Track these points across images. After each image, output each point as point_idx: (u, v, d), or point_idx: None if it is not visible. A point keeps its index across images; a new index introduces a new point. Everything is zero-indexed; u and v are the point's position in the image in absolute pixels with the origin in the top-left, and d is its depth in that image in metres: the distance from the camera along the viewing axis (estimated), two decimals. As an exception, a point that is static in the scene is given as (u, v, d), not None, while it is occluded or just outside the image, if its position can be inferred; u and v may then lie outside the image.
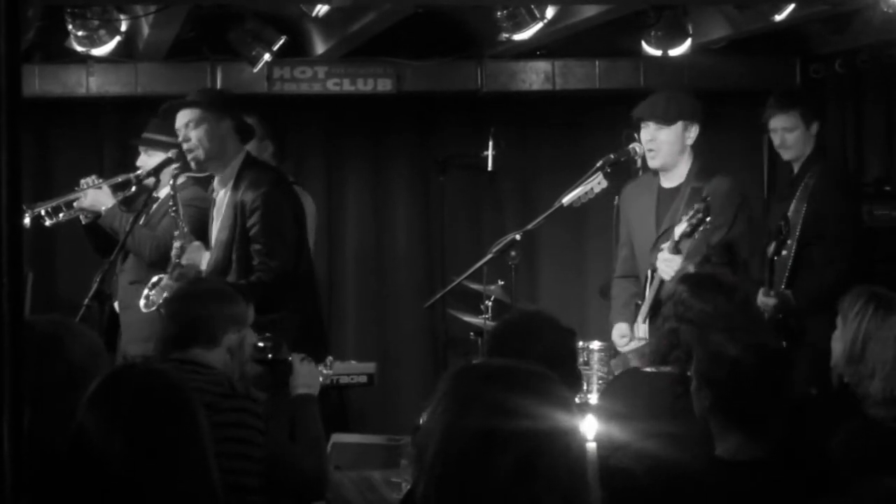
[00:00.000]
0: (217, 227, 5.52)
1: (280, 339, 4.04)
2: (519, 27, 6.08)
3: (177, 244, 5.57)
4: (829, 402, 4.06)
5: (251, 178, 5.41)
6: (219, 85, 7.00)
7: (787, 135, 5.97)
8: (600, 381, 5.83)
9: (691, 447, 3.04)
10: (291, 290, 5.36)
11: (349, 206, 7.84)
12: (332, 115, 7.74)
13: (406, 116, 7.81)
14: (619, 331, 5.59)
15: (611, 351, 5.85)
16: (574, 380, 3.71)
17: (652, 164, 5.56)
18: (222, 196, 5.51)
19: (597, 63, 7.49)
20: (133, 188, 6.25)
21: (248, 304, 4.00)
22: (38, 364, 2.92)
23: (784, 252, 5.63)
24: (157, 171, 5.78)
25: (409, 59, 7.34)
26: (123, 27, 6.15)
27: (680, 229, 5.10)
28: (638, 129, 5.61)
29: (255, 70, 6.68)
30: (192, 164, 5.55)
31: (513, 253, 5.74)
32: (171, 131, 5.64)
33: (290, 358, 3.95)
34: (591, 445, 2.12)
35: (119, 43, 6.21)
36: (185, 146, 5.45)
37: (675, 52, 6.73)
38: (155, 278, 5.69)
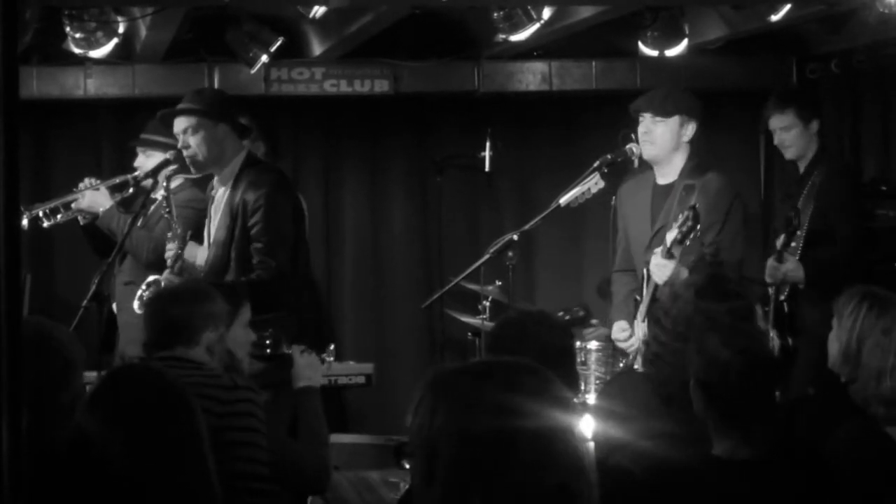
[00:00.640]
0: (215, 225, 5.52)
1: (279, 333, 4.05)
2: (516, 28, 6.08)
3: (170, 245, 5.57)
4: (826, 401, 4.07)
5: (252, 177, 5.41)
6: (216, 86, 6.99)
7: (784, 134, 6.02)
8: (598, 381, 5.84)
9: (689, 447, 3.05)
10: (289, 289, 5.37)
11: (347, 206, 7.84)
12: (329, 116, 7.75)
13: (403, 117, 7.81)
14: (619, 327, 5.59)
15: (609, 351, 5.86)
16: (571, 380, 3.72)
17: (645, 154, 5.56)
18: (221, 194, 5.52)
19: (593, 64, 7.50)
20: (131, 189, 6.25)
21: (245, 303, 4.02)
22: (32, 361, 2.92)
23: (793, 244, 5.65)
24: (154, 173, 5.78)
25: (406, 60, 7.34)
26: (121, 29, 6.15)
27: (671, 236, 5.09)
28: (635, 128, 5.61)
29: (253, 71, 6.68)
30: (192, 168, 5.56)
31: (510, 253, 5.75)
32: (170, 132, 5.64)
33: (289, 351, 3.97)
34: (590, 445, 2.13)
35: (116, 45, 6.22)
36: (184, 152, 5.46)
37: (671, 52, 6.75)
38: (150, 279, 5.69)
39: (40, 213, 6.26)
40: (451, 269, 6.57)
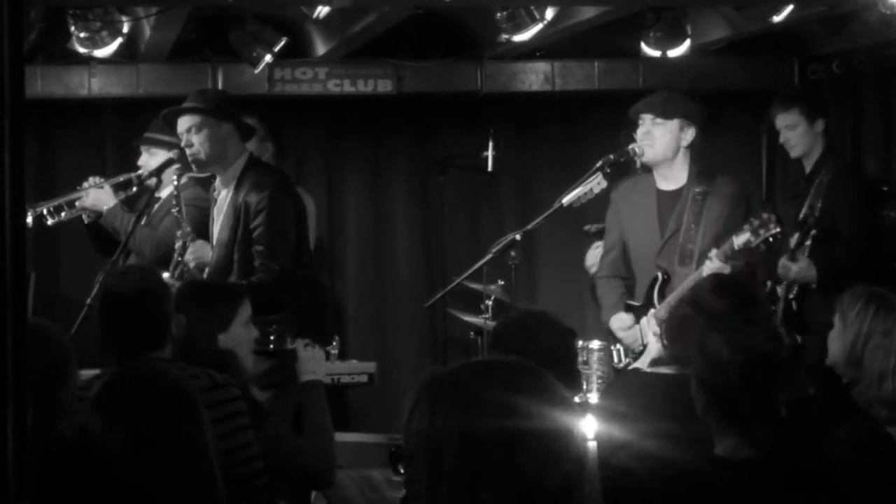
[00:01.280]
0: (218, 226, 5.53)
1: (283, 329, 4.04)
2: (518, 28, 6.09)
3: (179, 243, 5.58)
4: (827, 401, 4.07)
5: (254, 179, 5.42)
6: (220, 86, 7.01)
7: (789, 132, 6.06)
8: (600, 381, 5.84)
9: (691, 447, 3.05)
10: (291, 291, 5.37)
11: (349, 206, 7.85)
12: (332, 115, 7.75)
13: (406, 117, 7.82)
14: (620, 320, 5.60)
15: (610, 349, 5.85)
16: (573, 379, 3.73)
17: (645, 157, 5.57)
18: (224, 196, 5.52)
19: (596, 64, 7.50)
20: (135, 188, 6.27)
21: (244, 301, 4.01)
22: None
23: (807, 242, 5.67)
24: (158, 172, 5.80)
25: (409, 60, 7.35)
26: (125, 29, 6.17)
27: (741, 239, 5.11)
28: (636, 130, 5.62)
29: (256, 71, 6.69)
30: (194, 167, 5.57)
31: (512, 253, 5.75)
32: (173, 131, 5.65)
33: (293, 346, 3.96)
34: (592, 445, 2.13)
35: (121, 44, 6.23)
36: (187, 151, 5.46)
37: (673, 52, 6.75)
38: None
39: (44, 211, 6.28)
40: (454, 269, 6.58)
